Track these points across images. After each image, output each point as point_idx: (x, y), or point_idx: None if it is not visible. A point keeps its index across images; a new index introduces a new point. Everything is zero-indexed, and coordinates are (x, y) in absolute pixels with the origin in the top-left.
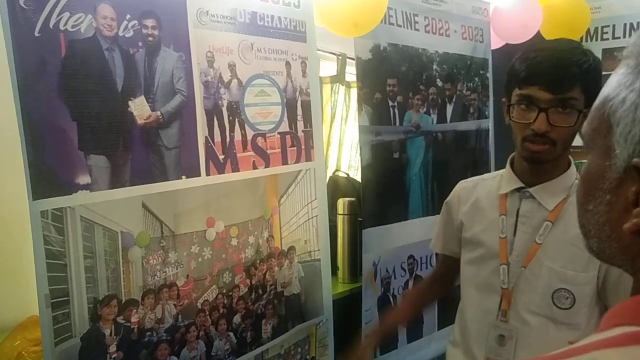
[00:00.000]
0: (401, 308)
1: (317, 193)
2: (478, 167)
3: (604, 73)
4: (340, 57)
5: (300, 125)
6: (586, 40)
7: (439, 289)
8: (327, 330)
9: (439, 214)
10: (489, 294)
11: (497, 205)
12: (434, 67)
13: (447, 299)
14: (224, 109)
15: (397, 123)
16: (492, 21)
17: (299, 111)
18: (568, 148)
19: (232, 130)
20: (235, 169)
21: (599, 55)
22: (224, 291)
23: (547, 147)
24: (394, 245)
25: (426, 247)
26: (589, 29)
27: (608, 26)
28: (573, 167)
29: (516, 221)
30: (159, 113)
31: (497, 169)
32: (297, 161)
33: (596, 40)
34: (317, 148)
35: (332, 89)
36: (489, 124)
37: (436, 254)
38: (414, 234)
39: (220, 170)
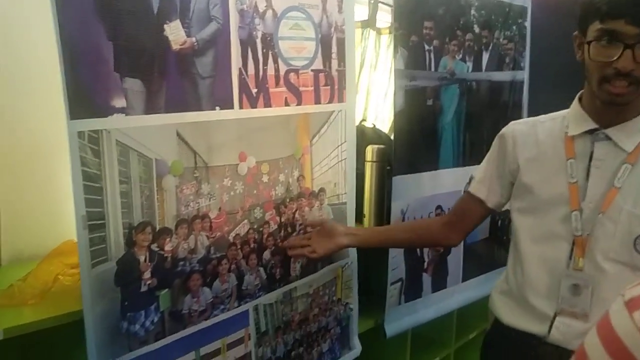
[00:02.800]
0: (391, 229)
1: (347, 136)
2: (512, 118)
3: None
4: (372, 1)
5: (334, 63)
6: None
7: (444, 236)
8: (352, 273)
9: (469, 165)
10: (555, 242)
11: (562, 148)
12: (472, 12)
13: (474, 253)
14: (258, 41)
15: (433, 69)
16: None
17: (334, 49)
18: None
19: (265, 63)
20: (268, 104)
21: None
22: (255, 226)
23: (631, 87)
24: (422, 194)
25: (455, 198)
26: None
27: None
28: None
29: (589, 165)
30: (194, 39)
31: None
32: (330, 101)
33: None
34: (350, 89)
35: (362, 34)
36: (525, 75)
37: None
38: (444, 184)
39: (253, 105)
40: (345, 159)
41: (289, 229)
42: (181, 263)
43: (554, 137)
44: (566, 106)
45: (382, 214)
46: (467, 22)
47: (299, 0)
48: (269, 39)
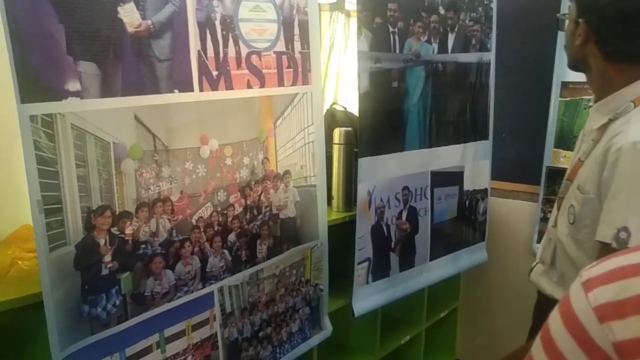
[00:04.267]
0: None
1: (313, 118)
2: (477, 102)
3: None
4: None
5: (297, 46)
6: None
7: None
8: (321, 255)
9: (436, 146)
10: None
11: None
12: None
13: (441, 232)
14: (217, 23)
15: (397, 50)
16: None
17: (296, 31)
18: (573, 56)
19: (225, 45)
20: (229, 86)
21: None
22: (219, 209)
23: None
24: (389, 175)
25: (421, 179)
26: None
27: None
28: (629, 89)
29: (582, 138)
30: (149, 22)
31: (496, 105)
32: (294, 83)
33: None
34: (315, 72)
35: (331, 17)
36: (491, 57)
37: None
38: (410, 165)
39: (214, 87)
40: (312, 141)
41: (255, 212)
42: (143, 246)
43: None
44: (531, 88)
45: (351, 196)
46: (432, 4)
47: None
48: (228, 20)
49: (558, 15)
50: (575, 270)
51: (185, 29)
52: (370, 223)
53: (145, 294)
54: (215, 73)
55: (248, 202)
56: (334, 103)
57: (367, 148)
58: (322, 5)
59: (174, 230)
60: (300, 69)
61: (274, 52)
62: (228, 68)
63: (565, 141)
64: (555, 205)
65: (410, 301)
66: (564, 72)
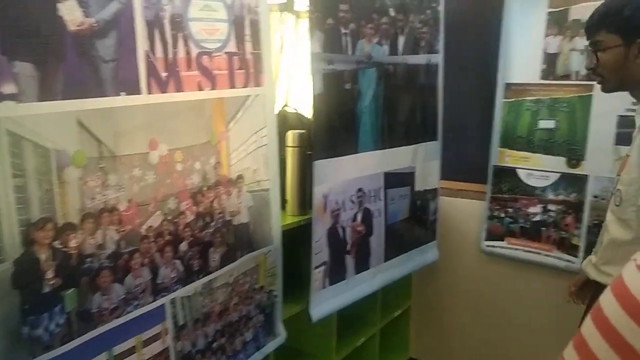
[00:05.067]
0: None
1: (266, 121)
2: (427, 103)
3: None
4: None
5: (248, 46)
6: None
7: None
8: (275, 260)
9: (388, 148)
10: None
11: None
12: None
13: (395, 232)
14: (167, 22)
15: (350, 52)
16: None
17: (247, 31)
18: (622, 75)
19: (175, 45)
20: (179, 88)
21: None
22: (170, 217)
23: (599, 80)
24: (343, 177)
25: (375, 181)
26: None
27: None
28: None
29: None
30: (93, 20)
31: (445, 105)
32: (246, 85)
33: None
34: (267, 73)
35: (280, 17)
36: (439, 59)
37: None
38: (364, 167)
39: (163, 89)
40: (265, 144)
41: (207, 219)
42: (88, 260)
43: None
44: (477, 89)
45: (304, 199)
46: (383, 5)
47: None
48: (178, 19)
49: (588, 48)
50: (614, 251)
51: (132, 27)
52: (326, 226)
53: (92, 310)
54: (164, 74)
55: (200, 209)
56: (285, 105)
57: (322, 150)
58: (272, 6)
59: (122, 242)
60: (252, 70)
61: (225, 53)
62: (178, 69)
63: (510, 141)
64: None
65: (365, 302)
66: (507, 74)
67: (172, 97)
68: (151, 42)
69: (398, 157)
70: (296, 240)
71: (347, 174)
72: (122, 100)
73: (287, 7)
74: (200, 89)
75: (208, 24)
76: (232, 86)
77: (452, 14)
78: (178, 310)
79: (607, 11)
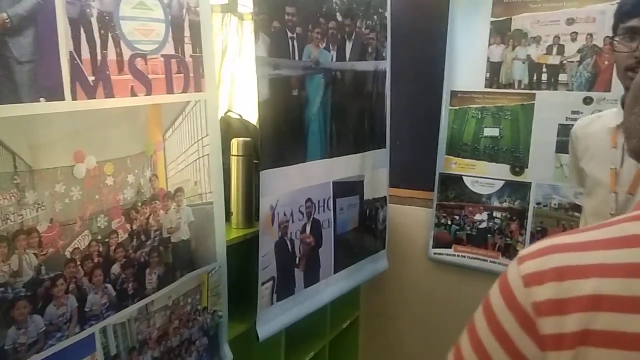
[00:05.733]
0: None
1: (208, 129)
2: (374, 110)
3: (493, 19)
4: None
5: (188, 49)
6: None
7: None
8: (220, 278)
9: (337, 156)
10: (600, 220)
11: (609, 139)
12: None
13: (345, 243)
14: (94, 20)
15: (297, 57)
16: None
17: (187, 32)
18: None
19: (104, 46)
20: (110, 94)
21: (489, 1)
22: (99, 237)
23: None
24: (291, 188)
25: (324, 190)
26: None
27: None
28: None
29: (623, 153)
30: (5, 15)
31: (392, 113)
32: (185, 90)
33: None
34: (209, 78)
35: (223, 19)
36: (387, 65)
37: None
38: (313, 176)
39: (90, 95)
40: (207, 154)
41: (143, 237)
42: (1, 289)
43: (604, 129)
44: (426, 95)
45: (251, 211)
46: (330, 10)
47: None
48: (107, 18)
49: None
50: None
51: (53, 25)
52: (273, 239)
53: (6, 347)
54: (91, 78)
55: (134, 227)
56: (228, 110)
57: (269, 159)
58: (214, 7)
59: (43, 267)
60: (192, 75)
61: (162, 56)
62: (108, 73)
63: (456, 148)
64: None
65: (313, 315)
66: (453, 82)
67: (101, 103)
68: (76, 42)
69: (347, 166)
70: (243, 255)
71: (295, 184)
72: (42, 107)
73: (230, 8)
74: (134, 94)
75: (142, 23)
76: (170, 91)
77: (399, 20)
78: (110, 339)
79: None
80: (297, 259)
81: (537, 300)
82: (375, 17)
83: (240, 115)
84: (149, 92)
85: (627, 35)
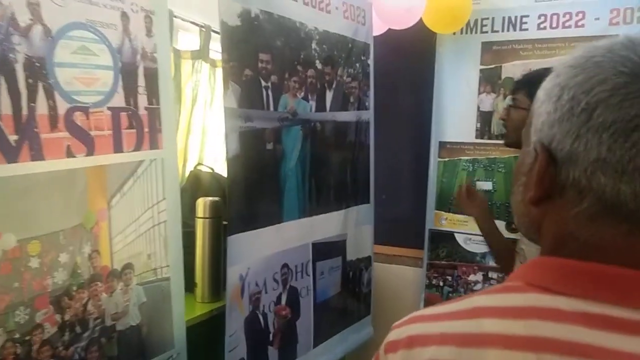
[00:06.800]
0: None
1: (165, 191)
2: (357, 163)
3: (482, 67)
4: (203, 30)
5: (142, 100)
6: (466, 32)
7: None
8: None
9: (317, 214)
10: None
11: None
12: (313, 46)
13: (326, 311)
14: (19, 67)
15: (271, 108)
16: (374, 2)
17: (141, 81)
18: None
19: (32, 99)
20: (38, 156)
21: (478, 48)
22: (17, 336)
23: (505, 133)
24: (265, 253)
25: (302, 253)
26: (469, 21)
27: (488, 19)
28: None
29: None
30: None
31: (376, 165)
32: (138, 148)
33: (476, 32)
34: (167, 132)
35: (193, 66)
36: (370, 116)
37: None
38: (289, 238)
39: (11, 158)
40: (164, 221)
41: (78, 329)
42: None
43: None
44: (412, 147)
45: (219, 281)
46: (309, 57)
47: (85, 15)
48: (38, 65)
49: (509, 105)
50: None
51: None
52: (243, 315)
53: None
54: (13, 138)
55: (66, 318)
56: (198, 164)
57: (238, 222)
58: (183, 53)
59: None
60: (146, 130)
61: (109, 109)
62: (36, 130)
63: (446, 203)
64: None
65: None
66: (441, 132)
67: (25, 167)
68: None
69: (328, 224)
70: (208, 335)
71: (269, 249)
72: None
73: (201, 54)
74: (71, 155)
75: (84, 71)
76: (119, 150)
77: (382, 68)
78: None
79: (532, 76)
80: (271, 335)
81: None
82: (357, 64)
83: (212, 169)
84: (90, 152)
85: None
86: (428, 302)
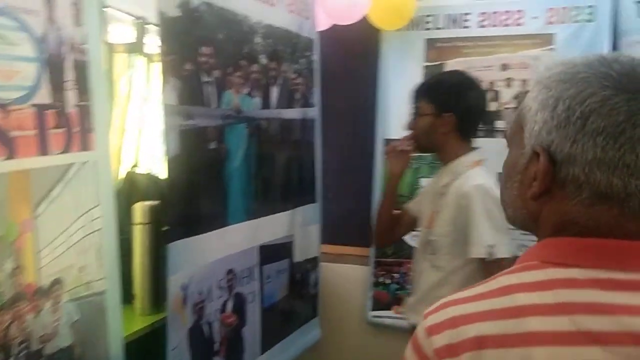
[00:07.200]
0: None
1: (99, 197)
2: (304, 161)
3: (426, 64)
4: (138, 22)
5: (71, 96)
6: (411, 29)
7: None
8: None
9: (263, 215)
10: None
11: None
12: (257, 40)
13: (273, 315)
14: None
15: (214, 105)
16: None
17: (69, 75)
18: (430, 141)
19: None
20: None
21: (422, 45)
22: None
23: (413, 141)
24: (209, 259)
25: (248, 258)
26: (413, 18)
27: (431, 16)
28: (465, 157)
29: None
30: None
31: (323, 164)
32: (67, 150)
33: (420, 29)
34: (101, 132)
35: (128, 60)
36: (315, 113)
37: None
38: (234, 242)
39: None
40: (99, 229)
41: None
42: None
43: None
44: (358, 144)
45: (160, 290)
46: (253, 51)
47: (4, 0)
48: None
49: (414, 108)
50: (427, 293)
51: None
52: (186, 326)
53: None
54: None
55: None
56: (134, 166)
57: (179, 228)
58: (116, 46)
59: None
60: (77, 129)
61: (33, 106)
62: None
63: None
64: (421, 249)
65: None
66: (386, 129)
67: None
68: None
69: (274, 226)
70: (149, 349)
71: (213, 254)
72: None
73: (136, 47)
74: None
75: (2, 62)
76: (44, 152)
77: (327, 65)
78: None
79: (432, 83)
80: (217, 345)
81: (437, 346)
82: (302, 60)
83: (149, 171)
84: (11, 155)
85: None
86: (375, 301)
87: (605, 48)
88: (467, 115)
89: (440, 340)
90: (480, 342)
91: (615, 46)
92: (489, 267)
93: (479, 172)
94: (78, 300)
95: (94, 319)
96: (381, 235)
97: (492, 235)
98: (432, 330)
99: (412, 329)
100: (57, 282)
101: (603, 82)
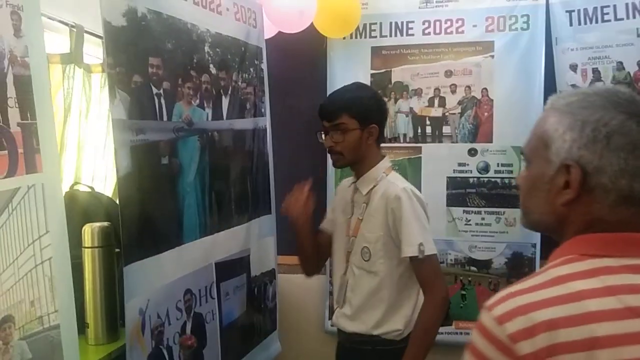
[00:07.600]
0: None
1: (49, 223)
2: (257, 171)
3: (373, 72)
4: (74, 30)
5: (13, 114)
6: (356, 37)
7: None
8: None
9: (220, 230)
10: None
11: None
12: (206, 49)
13: (232, 333)
14: None
15: (165, 117)
16: (264, 3)
17: (11, 92)
18: (358, 154)
19: None
20: None
21: (368, 53)
22: None
23: (337, 157)
24: (166, 280)
25: (205, 275)
26: (358, 26)
27: (376, 24)
28: (381, 164)
29: (352, 205)
30: None
31: (276, 172)
32: (11, 174)
33: (365, 37)
34: (48, 152)
35: (64, 71)
36: (266, 122)
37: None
38: (191, 260)
39: None
40: (49, 258)
41: None
42: None
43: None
44: (309, 152)
45: (115, 318)
46: (202, 61)
47: None
48: None
49: (335, 125)
50: (367, 299)
51: None
52: (145, 353)
53: None
54: None
55: None
56: (75, 183)
57: (134, 249)
58: (51, 56)
59: None
60: (21, 150)
61: None
62: None
63: None
64: (344, 259)
65: None
66: None
67: None
68: None
69: (230, 241)
70: None
71: (170, 275)
72: None
73: (73, 58)
74: None
75: None
76: None
77: (275, 73)
78: None
79: (350, 98)
80: None
81: (510, 332)
82: (251, 69)
83: (92, 188)
84: None
85: (322, 131)
86: (332, 310)
87: (540, 54)
88: (383, 124)
89: (513, 326)
90: (552, 324)
91: (549, 53)
92: (420, 263)
93: (397, 177)
94: (30, 338)
95: (48, 356)
96: (309, 267)
97: (421, 234)
98: (503, 319)
99: (355, 335)
100: (6, 320)
101: (618, 109)
